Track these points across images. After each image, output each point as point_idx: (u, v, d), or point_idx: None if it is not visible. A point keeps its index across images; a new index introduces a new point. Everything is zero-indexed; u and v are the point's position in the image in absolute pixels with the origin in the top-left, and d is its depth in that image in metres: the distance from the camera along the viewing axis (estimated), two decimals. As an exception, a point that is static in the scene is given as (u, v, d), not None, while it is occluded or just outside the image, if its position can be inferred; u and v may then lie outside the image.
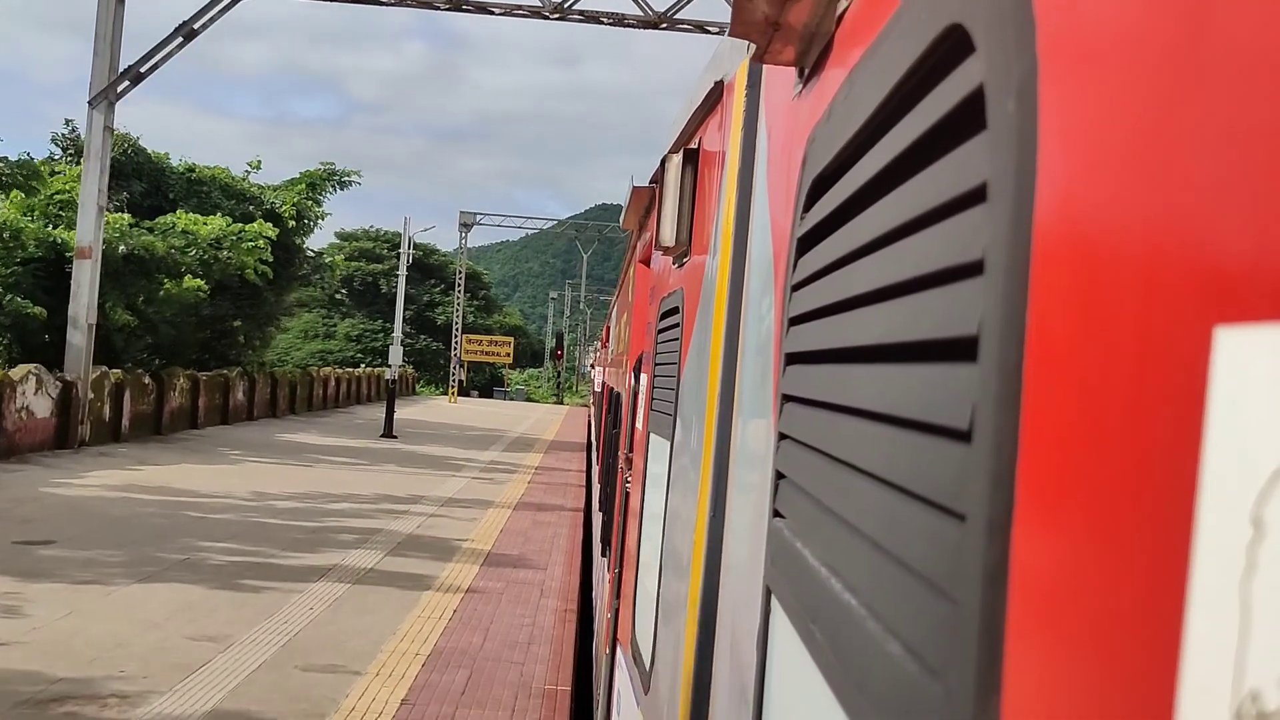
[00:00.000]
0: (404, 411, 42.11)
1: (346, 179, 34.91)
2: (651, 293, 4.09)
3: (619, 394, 7.15)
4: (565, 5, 22.04)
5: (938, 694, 0.65)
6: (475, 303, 79.16)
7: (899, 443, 0.81)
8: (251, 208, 31.50)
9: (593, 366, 44.36)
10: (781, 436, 1.31)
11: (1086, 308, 0.53)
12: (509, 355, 70.54)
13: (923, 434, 0.74)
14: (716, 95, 2.46)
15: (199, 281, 26.89)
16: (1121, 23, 0.52)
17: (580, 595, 12.18)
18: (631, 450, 4.68)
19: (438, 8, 22.35)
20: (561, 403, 73.01)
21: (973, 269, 0.66)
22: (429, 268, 77.08)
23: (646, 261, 4.73)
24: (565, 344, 77.87)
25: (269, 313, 34.35)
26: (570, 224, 70.90)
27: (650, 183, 3.90)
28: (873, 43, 0.98)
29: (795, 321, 1.30)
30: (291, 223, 32.67)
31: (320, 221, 34.86)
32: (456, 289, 59.56)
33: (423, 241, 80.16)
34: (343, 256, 70.32)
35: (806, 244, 1.26)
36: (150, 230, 26.02)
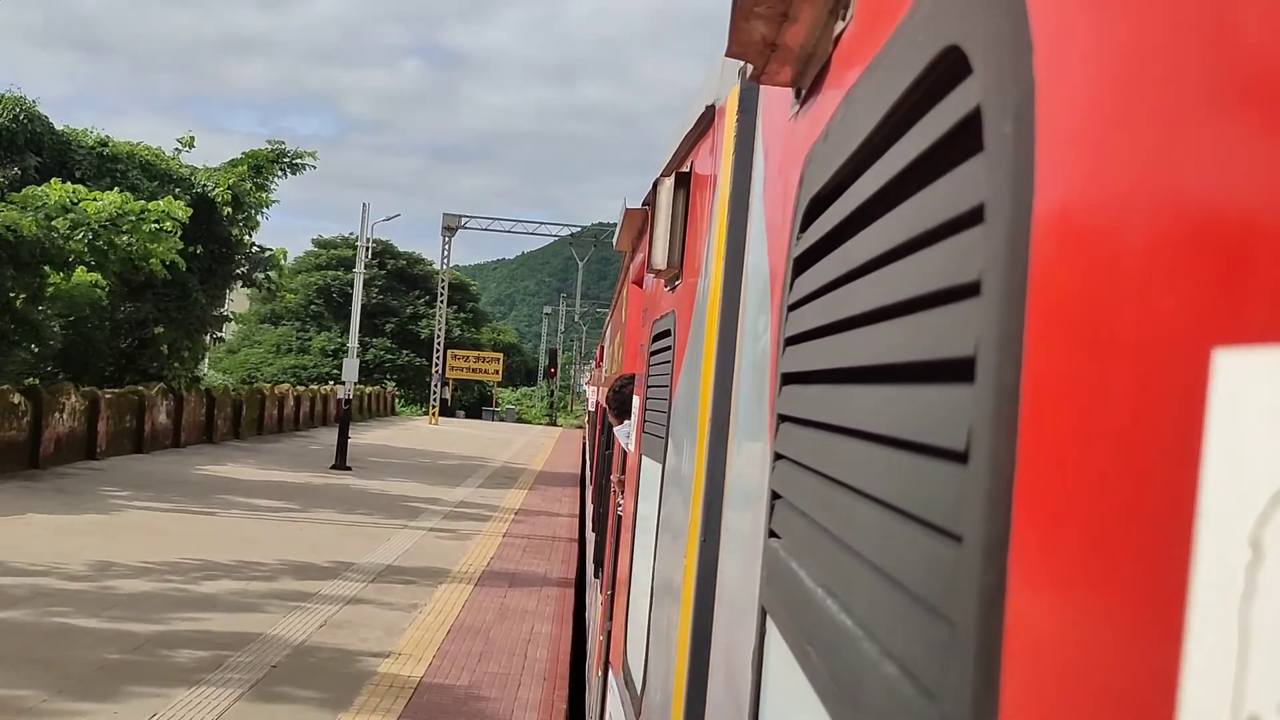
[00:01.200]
0: (373, 435, 37.23)
1: (299, 161, 28.68)
2: (644, 314, 4.09)
3: None
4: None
5: (933, 716, 0.64)
6: (462, 315, 72.80)
7: (896, 463, 0.80)
8: (178, 190, 25.40)
9: (588, 384, 39.14)
10: (777, 456, 1.31)
11: (1084, 329, 0.53)
12: (498, 373, 64.57)
13: (919, 455, 0.74)
14: (708, 119, 2.46)
15: (95, 275, 21.42)
16: (1119, 45, 0.52)
17: (574, 616, 11.04)
18: (624, 472, 4.62)
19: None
20: (555, 424, 67.29)
21: (969, 290, 0.66)
22: (413, 278, 71.09)
23: (639, 283, 4.65)
24: (559, 361, 72.42)
25: (200, 317, 27.89)
26: (565, 232, 62.38)
27: (643, 204, 3.86)
28: (870, 64, 0.98)
29: (791, 341, 1.30)
30: (227, 209, 26.93)
31: (265, 210, 28.70)
32: (439, 298, 53.38)
33: (407, 250, 73.07)
34: (288, 261, 64.30)
35: (803, 264, 1.26)
36: (21, 206, 19.58)
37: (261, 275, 31.08)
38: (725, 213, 2.02)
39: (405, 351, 66.87)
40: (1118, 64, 0.52)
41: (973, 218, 0.67)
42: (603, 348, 15.00)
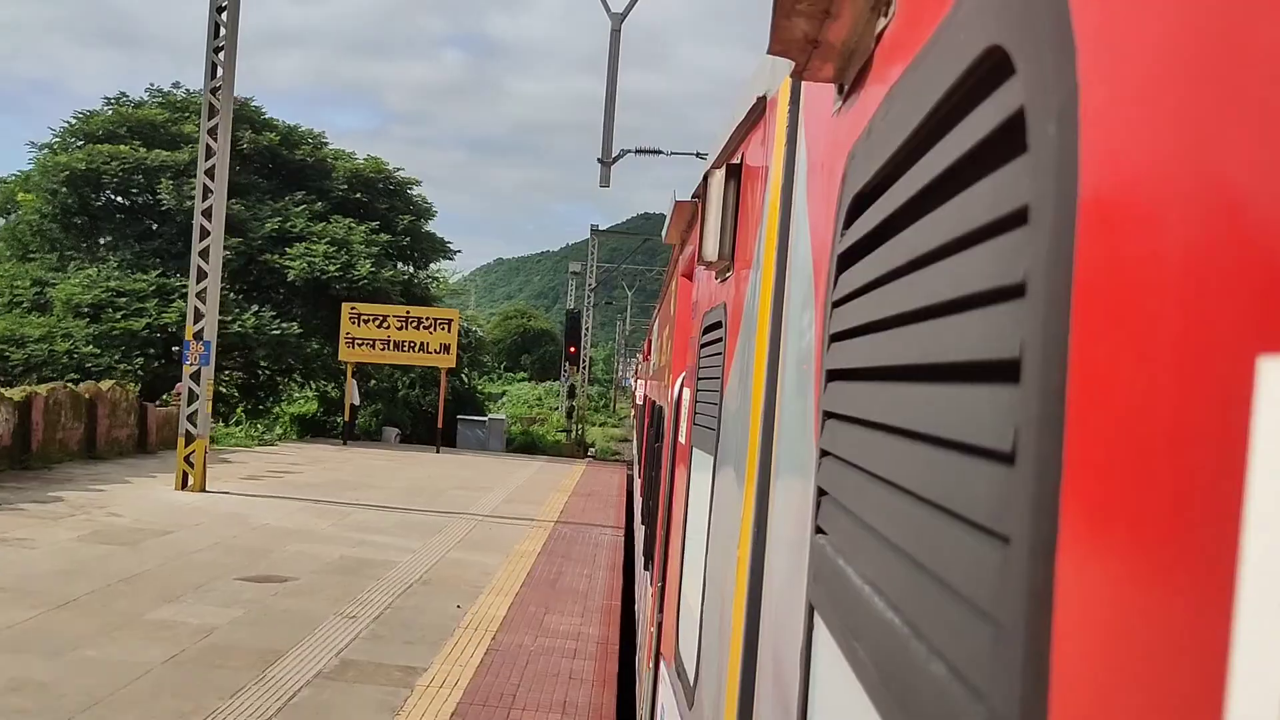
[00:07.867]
0: None
1: None
2: (694, 307, 4.10)
3: (661, 407, 6.98)
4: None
5: (981, 715, 0.65)
6: (388, 237, 33.08)
7: (941, 463, 0.80)
8: None
9: (634, 379, 32.39)
10: (823, 453, 1.31)
11: (1129, 332, 0.53)
12: (449, 349, 29.79)
13: (966, 455, 0.74)
14: (759, 111, 2.45)
15: None
16: (1162, 45, 0.52)
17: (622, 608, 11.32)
18: (674, 464, 4.63)
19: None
20: (586, 450, 36.78)
21: (1014, 291, 0.66)
22: (300, 171, 33.46)
23: (689, 275, 4.67)
24: (585, 335, 43.23)
25: None
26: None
27: (692, 197, 3.91)
28: (912, 62, 0.98)
29: (836, 338, 1.29)
30: None
31: None
32: (206, 61, 16.60)
33: (288, 121, 34.28)
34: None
35: (847, 261, 1.26)
36: None
37: None
38: (777, 205, 2.01)
39: (268, 309, 30.11)
40: (1161, 64, 0.52)
41: (1017, 219, 0.67)
42: (650, 340, 14.90)
